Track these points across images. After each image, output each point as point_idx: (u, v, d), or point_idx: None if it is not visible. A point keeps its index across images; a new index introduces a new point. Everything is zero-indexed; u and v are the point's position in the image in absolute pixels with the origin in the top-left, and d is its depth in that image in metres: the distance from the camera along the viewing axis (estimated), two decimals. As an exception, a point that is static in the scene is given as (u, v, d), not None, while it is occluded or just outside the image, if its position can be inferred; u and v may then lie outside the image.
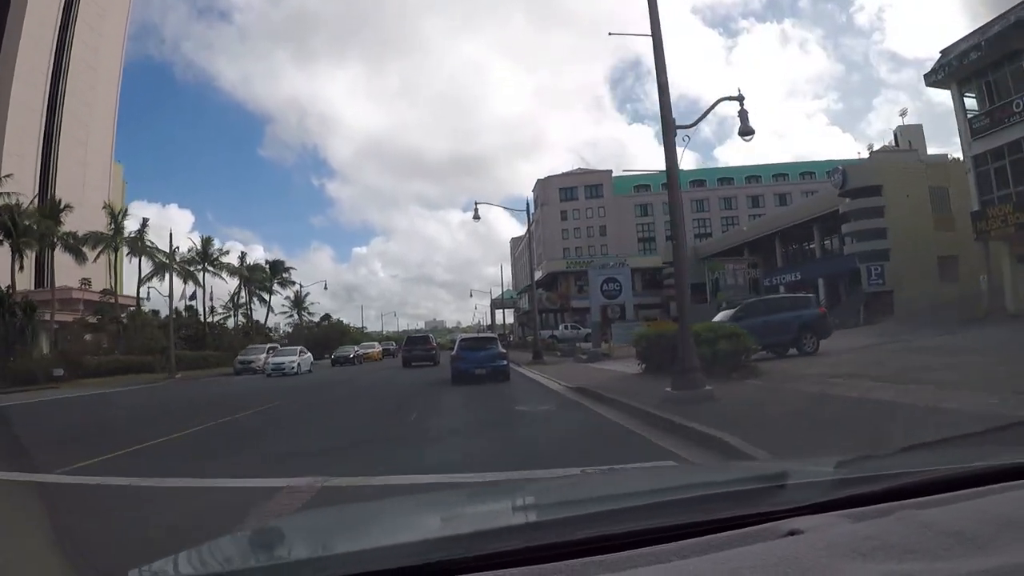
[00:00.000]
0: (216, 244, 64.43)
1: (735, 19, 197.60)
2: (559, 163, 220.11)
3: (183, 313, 54.90)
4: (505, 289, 79.62)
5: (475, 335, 27.98)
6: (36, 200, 43.24)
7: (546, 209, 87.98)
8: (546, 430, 9.76)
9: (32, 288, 47.14)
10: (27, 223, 40.10)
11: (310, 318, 77.70)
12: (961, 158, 38.98)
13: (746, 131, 11.83)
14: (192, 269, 54.00)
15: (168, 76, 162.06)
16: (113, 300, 46.28)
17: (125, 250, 49.42)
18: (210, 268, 56.32)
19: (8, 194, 39.20)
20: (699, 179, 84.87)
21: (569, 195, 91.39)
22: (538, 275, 53.08)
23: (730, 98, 11.89)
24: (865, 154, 57.29)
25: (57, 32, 57.26)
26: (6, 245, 39.87)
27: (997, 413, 7.01)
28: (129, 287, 54.16)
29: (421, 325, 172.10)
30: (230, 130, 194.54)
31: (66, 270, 45.48)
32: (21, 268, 40.08)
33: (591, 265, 42.53)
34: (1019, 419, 6.01)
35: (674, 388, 10.49)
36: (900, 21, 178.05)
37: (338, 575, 1.22)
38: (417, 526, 1.85)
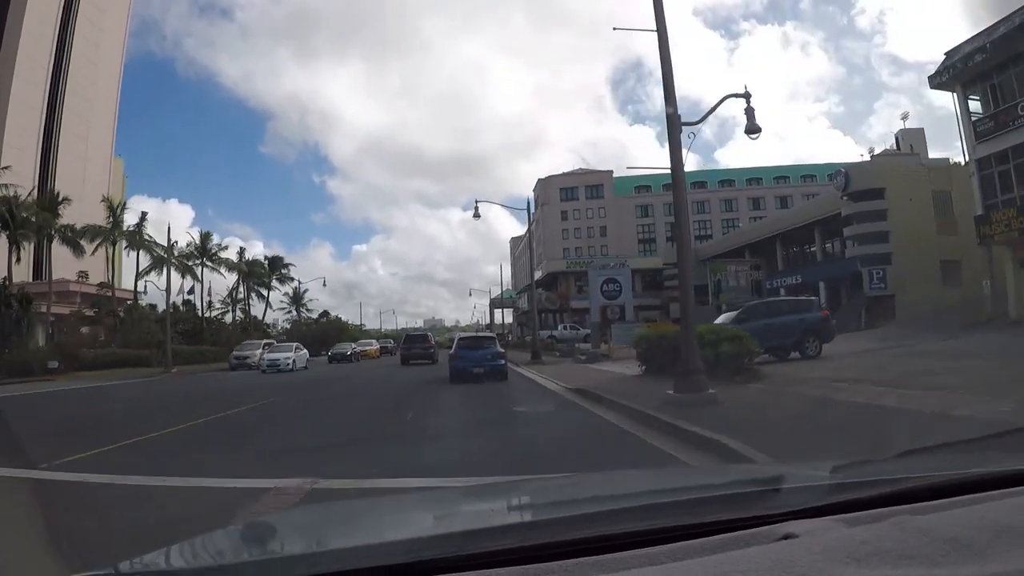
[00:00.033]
0: (216, 240, 64.26)
1: (736, 21, 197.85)
2: (559, 163, 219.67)
3: (181, 308, 54.70)
4: (504, 288, 79.52)
5: (473, 334, 27.82)
6: (34, 192, 42.89)
7: (546, 209, 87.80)
8: (545, 432, 9.53)
9: (30, 280, 46.95)
10: (25, 215, 39.85)
11: (309, 315, 77.58)
12: (963, 162, 38.99)
13: (752, 129, 11.60)
14: (190, 264, 53.70)
15: (170, 72, 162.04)
16: (110, 293, 45.97)
17: (123, 244, 49.16)
18: (208, 263, 56.04)
19: (6, 186, 38.97)
20: (700, 181, 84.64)
21: (570, 195, 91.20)
22: (538, 275, 52.84)
23: (736, 95, 11.67)
24: (866, 157, 56.93)
25: (58, 27, 57.00)
26: (3, 237, 39.68)
27: (1007, 421, 6.83)
28: (127, 281, 54.02)
29: (420, 323, 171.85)
30: (231, 127, 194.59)
31: (65, 263, 45.25)
32: (18, 260, 39.84)
33: (591, 265, 42.36)
34: (1018, 425, 5.83)
35: (676, 391, 10.28)
36: (901, 24, 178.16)
37: (330, 571, 1.19)
38: (410, 524, 1.84)
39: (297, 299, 74.06)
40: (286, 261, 71.24)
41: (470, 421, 11.25)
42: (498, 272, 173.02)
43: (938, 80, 31.85)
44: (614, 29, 11.58)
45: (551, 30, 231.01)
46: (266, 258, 69.42)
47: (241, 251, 64.47)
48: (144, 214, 51.55)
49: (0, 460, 6.54)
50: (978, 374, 11.91)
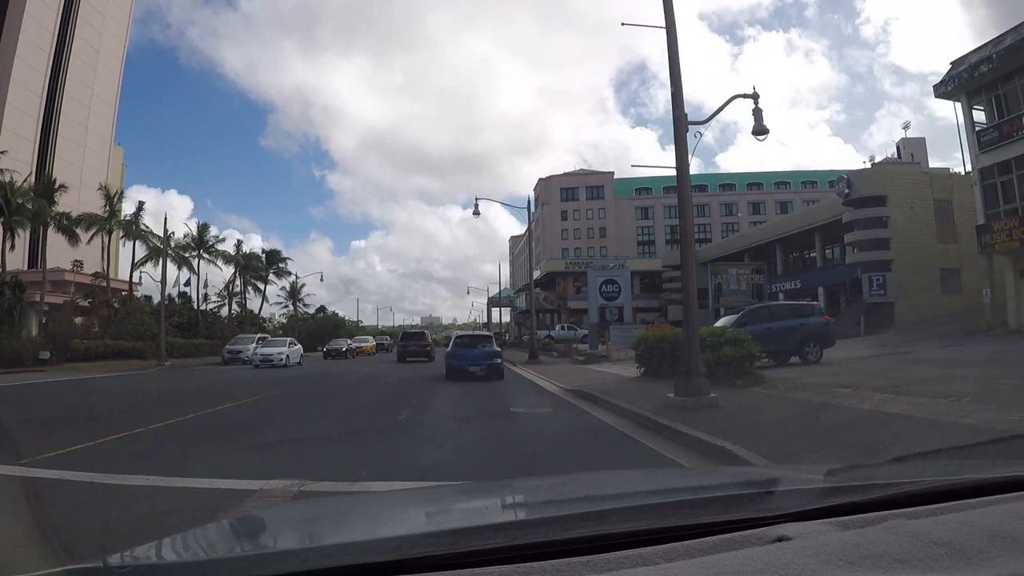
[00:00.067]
0: (215, 232, 64.25)
1: (741, 26, 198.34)
2: (560, 164, 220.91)
3: (176, 300, 54.37)
4: (503, 287, 79.30)
5: (471, 333, 27.83)
6: (30, 178, 42.40)
7: (546, 208, 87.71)
8: (543, 435, 9.27)
9: (25, 268, 46.56)
10: (20, 201, 39.43)
11: (305, 310, 77.24)
12: (963, 172, 38.90)
13: (760, 130, 11.41)
14: (187, 255, 53.40)
15: (172, 61, 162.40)
16: (104, 283, 45.54)
17: (119, 233, 48.75)
18: (205, 255, 55.68)
19: (3, 171, 38.54)
20: (701, 184, 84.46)
21: (570, 195, 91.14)
22: (536, 274, 52.69)
23: (744, 95, 11.48)
24: (867, 165, 56.96)
25: (61, 11, 56.59)
26: (-2, 223, 39.26)
27: (1018, 430, 6.67)
28: (125, 271, 53.58)
29: (417, 321, 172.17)
30: (232, 118, 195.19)
31: (61, 252, 44.83)
32: (12, 247, 39.37)
33: (590, 266, 42.00)
34: (1012, 433, 5.71)
35: (677, 394, 10.07)
36: (905, 35, 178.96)
37: (319, 567, 1.18)
38: (401, 521, 1.85)
39: (294, 294, 73.70)
40: (284, 255, 70.85)
41: (465, 422, 10.96)
42: (496, 271, 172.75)
43: (943, 89, 31.71)
44: (622, 25, 11.36)
45: (556, 30, 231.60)
46: (263, 251, 69.06)
47: (238, 243, 64.09)
48: (141, 203, 51.24)
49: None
50: (984, 383, 11.76)
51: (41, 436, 8.47)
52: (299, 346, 38.57)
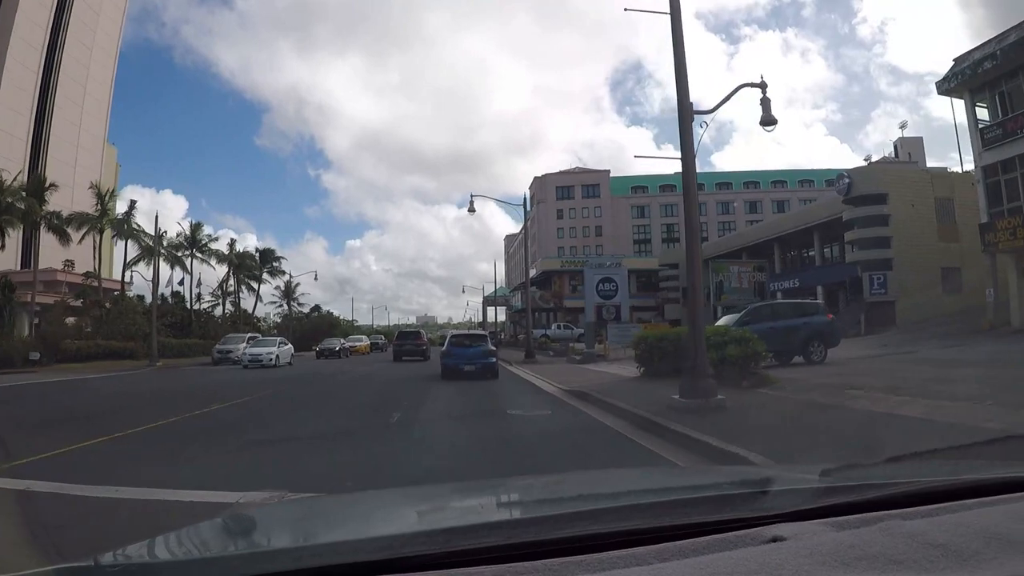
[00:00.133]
0: (209, 231, 63.69)
1: (738, 25, 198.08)
2: (556, 163, 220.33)
3: (169, 300, 53.83)
4: (498, 286, 78.87)
5: (466, 332, 27.66)
6: (20, 177, 41.72)
7: (542, 207, 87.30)
8: (543, 440, 8.77)
9: (17, 269, 45.99)
10: (10, 200, 38.85)
11: (300, 309, 76.69)
12: (960, 170, 38.60)
13: (768, 120, 10.97)
14: (180, 254, 52.79)
15: (167, 60, 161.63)
16: (96, 283, 44.94)
17: (111, 233, 48.14)
18: (198, 254, 55.15)
19: (-7, 169, 38.01)
20: (697, 182, 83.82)
21: (566, 194, 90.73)
22: (532, 273, 52.24)
23: (752, 84, 11.03)
24: (864, 165, 56.57)
25: (53, 10, 55.93)
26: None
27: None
28: (118, 271, 52.91)
29: (412, 320, 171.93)
30: (227, 117, 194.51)
31: (53, 252, 44.23)
32: (2, 247, 38.81)
33: (587, 264, 41.58)
34: (1008, 433, 5.33)
35: (682, 395, 9.64)
36: (902, 35, 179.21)
37: (311, 566, 1.17)
38: (394, 520, 1.83)
39: (288, 293, 73.18)
40: (278, 254, 70.31)
41: (461, 425, 10.44)
42: (492, 270, 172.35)
43: (946, 86, 31.38)
44: (625, 10, 10.86)
45: (553, 29, 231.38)
46: (257, 250, 68.55)
47: (231, 242, 63.53)
48: (133, 202, 50.72)
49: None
50: (997, 384, 11.37)
51: (15, 442, 8.02)
52: (289, 345, 37.82)
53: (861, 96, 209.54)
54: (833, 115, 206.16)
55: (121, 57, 67.22)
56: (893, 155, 69.78)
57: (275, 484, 5.39)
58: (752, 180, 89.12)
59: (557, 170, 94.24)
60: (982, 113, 30.11)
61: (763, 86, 11.00)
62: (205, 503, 4.86)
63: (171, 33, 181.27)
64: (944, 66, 31.37)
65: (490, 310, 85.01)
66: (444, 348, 21.46)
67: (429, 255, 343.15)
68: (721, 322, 18.12)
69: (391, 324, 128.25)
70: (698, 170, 10.54)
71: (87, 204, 45.57)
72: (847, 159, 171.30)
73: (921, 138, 73.15)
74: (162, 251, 47.48)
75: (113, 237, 49.06)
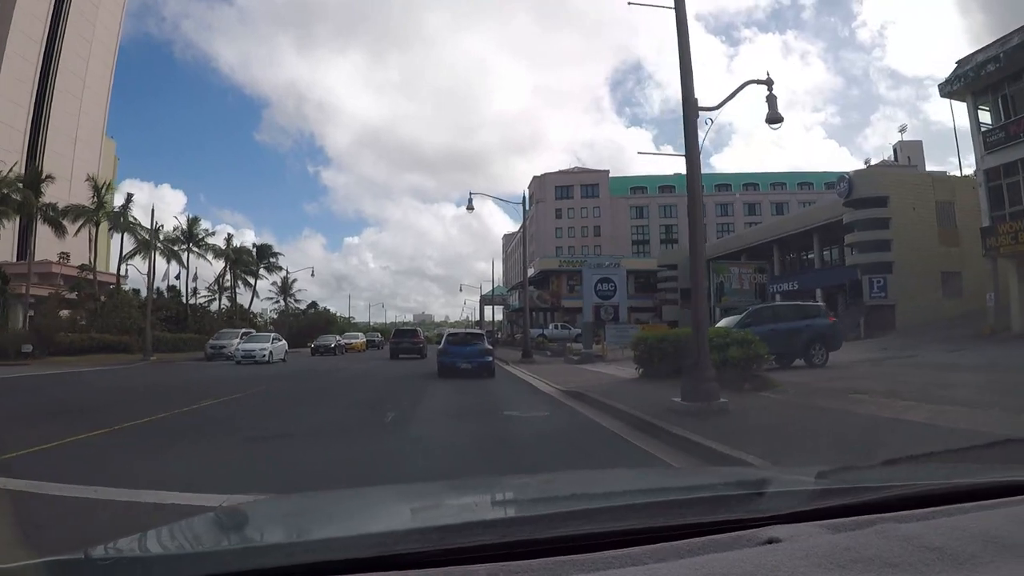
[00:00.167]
0: (208, 226, 63.32)
1: (738, 28, 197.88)
2: (555, 163, 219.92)
3: (165, 294, 53.50)
4: (496, 285, 78.61)
5: (462, 331, 27.60)
6: (16, 168, 41.37)
7: (541, 206, 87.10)
8: (541, 443, 8.49)
9: (14, 260, 45.67)
10: (5, 191, 38.52)
11: (297, 305, 76.32)
12: (960, 174, 38.40)
13: (774, 118, 10.73)
14: (176, 248, 52.42)
15: (167, 55, 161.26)
16: (91, 276, 44.56)
17: (107, 225, 47.77)
18: (195, 249, 54.78)
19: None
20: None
21: (565, 193, 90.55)
22: (530, 272, 52.00)
23: (757, 81, 10.81)
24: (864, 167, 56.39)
25: (53, 3, 55.51)
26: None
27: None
28: (115, 265, 52.57)
29: (409, 318, 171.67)
30: (227, 113, 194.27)
31: (51, 244, 43.86)
32: (-3, 238, 38.55)
33: (585, 264, 41.37)
34: (1004, 437, 5.14)
35: (684, 398, 9.41)
36: (902, 39, 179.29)
37: (304, 562, 1.17)
38: (388, 516, 1.83)
39: (285, 289, 72.83)
40: (275, 250, 69.81)
41: (458, 427, 10.04)
42: (489, 269, 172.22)
43: (948, 89, 31.19)
44: (629, 3, 10.62)
45: (553, 29, 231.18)
46: (254, 246, 68.14)
47: (228, 237, 63.16)
48: (130, 196, 50.37)
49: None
50: (1002, 389, 11.23)
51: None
52: (283, 342, 37.40)
53: (860, 99, 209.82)
54: (832, 118, 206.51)
55: (121, 51, 67.00)
56: (892, 159, 69.59)
57: (260, 487, 5.14)
58: (751, 182, 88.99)
59: (556, 170, 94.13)
60: (984, 116, 29.92)
61: (769, 83, 10.79)
62: (183, 505, 4.60)
63: (171, 28, 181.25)
64: (943, 70, 31.32)
65: (487, 309, 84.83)
66: (441, 346, 21.63)
67: (427, 253, 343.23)
68: (721, 324, 17.90)
69: (388, 322, 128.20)
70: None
71: (84, 197, 45.20)
72: (846, 162, 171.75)
73: (920, 142, 72.79)
74: (158, 245, 47.13)
75: (109, 230, 48.67)
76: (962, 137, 30.47)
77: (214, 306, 60.36)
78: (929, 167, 59.10)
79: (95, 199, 44.58)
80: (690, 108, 9.93)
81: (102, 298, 43.13)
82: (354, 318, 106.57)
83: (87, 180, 45.33)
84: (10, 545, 2.33)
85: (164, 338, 42.12)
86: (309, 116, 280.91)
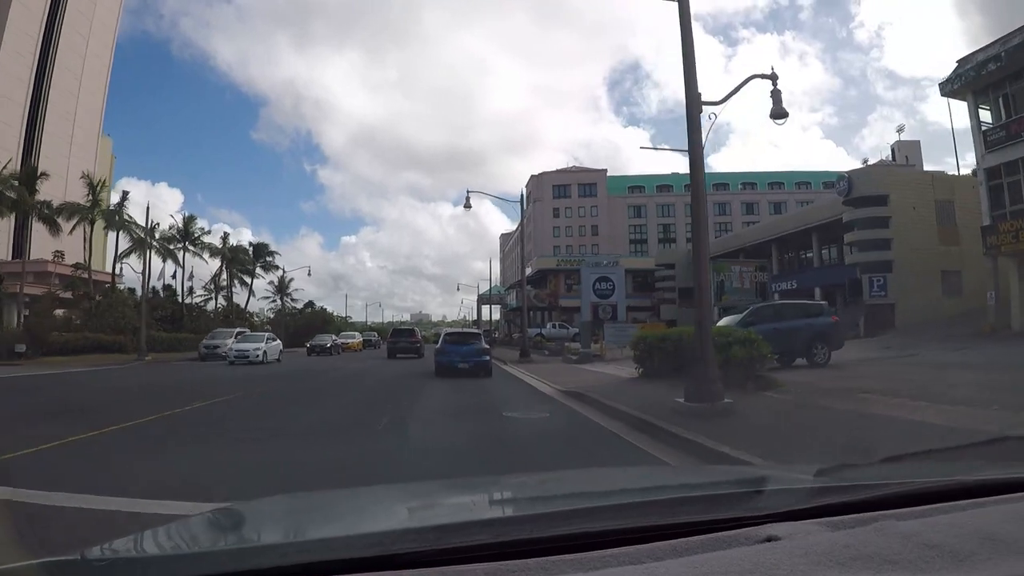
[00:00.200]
0: (204, 225, 63.10)
1: (736, 28, 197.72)
2: (552, 162, 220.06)
3: (160, 293, 53.15)
4: (493, 285, 78.43)
5: (460, 330, 27.47)
6: (11, 165, 40.96)
7: (538, 205, 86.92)
8: (543, 445, 8.22)
9: (9, 259, 45.32)
10: (0, 189, 38.15)
11: (293, 305, 75.98)
12: (958, 174, 38.22)
13: (779, 113, 10.53)
14: (172, 247, 52.05)
15: (165, 53, 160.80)
16: (86, 275, 44.19)
17: (103, 224, 47.39)
18: (191, 247, 54.41)
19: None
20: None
21: (562, 192, 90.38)
22: (528, 271, 51.80)
23: (762, 76, 10.60)
24: (864, 166, 56.21)
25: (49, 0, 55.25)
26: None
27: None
28: (110, 263, 52.16)
29: (406, 317, 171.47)
30: (224, 111, 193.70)
31: (47, 243, 43.58)
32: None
33: (584, 263, 41.20)
34: (1002, 435, 4.99)
35: (687, 399, 9.18)
36: (899, 40, 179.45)
37: (300, 562, 1.16)
38: (385, 516, 1.82)
39: (282, 288, 72.46)
40: (271, 249, 69.39)
41: (455, 431, 9.60)
42: (486, 268, 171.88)
43: (949, 88, 31.04)
44: (631, -5, 10.37)
45: (551, 28, 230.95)
46: (251, 244, 67.71)
47: (224, 236, 62.73)
48: (125, 193, 49.94)
49: None
50: (1010, 388, 10.98)
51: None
52: (277, 341, 36.95)
53: (858, 100, 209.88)
54: (830, 119, 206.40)
55: (119, 49, 66.77)
56: (890, 159, 69.51)
57: (244, 496, 4.89)
58: (749, 181, 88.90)
59: (554, 169, 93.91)
60: (985, 115, 29.82)
61: (773, 78, 10.60)
62: (162, 515, 4.33)
63: (169, 25, 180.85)
64: (941, 71, 31.37)
65: (485, 308, 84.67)
66: (438, 346, 21.65)
67: (424, 252, 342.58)
68: (723, 322, 17.63)
69: (385, 321, 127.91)
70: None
71: (80, 195, 44.83)
72: (843, 163, 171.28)
73: (918, 142, 72.62)
74: (154, 243, 46.79)
75: (105, 229, 48.26)
76: (961, 136, 30.58)
77: (210, 305, 60.10)
78: (926, 167, 59.12)
79: (90, 197, 44.24)
80: (693, 103, 9.70)
81: (97, 297, 42.77)
82: (351, 318, 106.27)
83: (82, 178, 44.98)
84: (5, 546, 2.29)
85: (159, 338, 41.78)
86: (306, 114, 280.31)
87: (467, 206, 35.43)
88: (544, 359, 30.10)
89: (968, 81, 29.67)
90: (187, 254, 53.99)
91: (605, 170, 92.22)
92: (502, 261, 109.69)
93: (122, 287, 49.38)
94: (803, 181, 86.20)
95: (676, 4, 10.12)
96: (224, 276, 61.51)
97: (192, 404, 12.24)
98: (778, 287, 44.48)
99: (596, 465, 6.89)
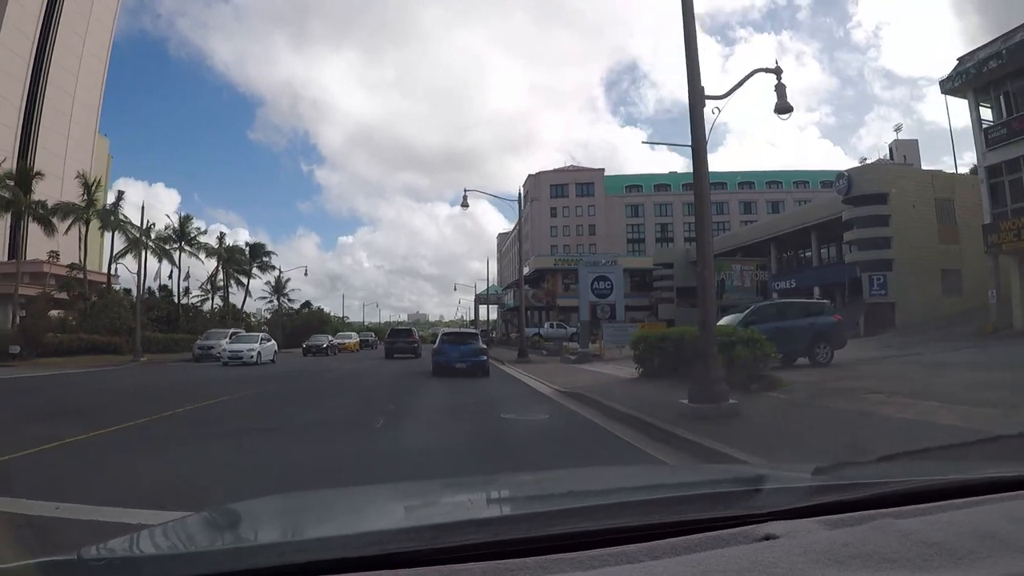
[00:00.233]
0: (201, 225, 62.77)
1: (733, 28, 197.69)
2: (550, 162, 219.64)
3: (156, 293, 52.85)
4: (490, 285, 78.18)
5: (457, 330, 27.32)
6: (6, 164, 40.65)
7: (536, 205, 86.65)
8: (542, 448, 7.99)
9: (4, 259, 45.00)
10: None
11: (290, 305, 75.65)
12: (956, 172, 38.08)
13: (783, 108, 10.33)
14: (168, 247, 51.74)
15: (162, 52, 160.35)
16: (81, 275, 43.86)
17: (98, 224, 47.06)
18: (187, 247, 54.10)
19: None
20: (691, 182, 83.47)
21: (560, 192, 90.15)
22: (525, 271, 51.57)
23: (766, 70, 10.40)
24: (863, 164, 56.05)
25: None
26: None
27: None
28: (106, 264, 51.83)
29: (404, 317, 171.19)
30: (221, 111, 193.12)
31: (43, 243, 43.24)
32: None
33: (582, 262, 40.93)
34: (1001, 433, 4.77)
35: (692, 400, 8.97)
36: (897, 40, 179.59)
37: (297, 561, 1.16)
38: (381, 515, 1.82)
39: (279, 288, 72.12)
40: (268, 249, 69.07)
41: (452, 433, 9.43)
42: (484, 268, 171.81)
43: (950, 86, 30.86)
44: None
45: (549, 28, 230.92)
46: (247, 244, 67.41)
47: (221, 236, 62.43)
48: (120, 193, 49.58)
49: None
50: (1014, 387, 10.77)
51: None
52: (272, 342, 36.61)
53: (855, 99, 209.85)
54: (827, 118, 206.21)
55: (116, 49, 66.43)
56: (888, 158, 69.43)
57: (245, 495, 4.66)
58: (747, 181, 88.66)
59: (551, 168, 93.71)
60: (986, 113, 29.64)
61: (778, 72, 10.40)
62: (130, 524, 4.12)
63: (166, 25, 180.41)
64: (938, 71, 31.18)
65: (482, 308, 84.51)
66: (436, 346, 21.67)
67: (421, 252, 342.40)
68: (724, 322, 17.38)
69: (382, 321, 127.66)
70: (693, 170, 9.86)
71: (76, 195, 44.60)
72: (841, 162, 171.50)
73: (916, 140, 72.57)
74: (149, 244, 46.52)
75: (100, 229, 47.91)
76: (959, 135, 30.40)
77: (207, 306, 59.80)
78: (924, 166, 59.03)
79: (85, 197, 43.93)
80: (696, 96, 9.49)
81: (93, 298, 42.45)
82: (348, 318, 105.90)
83: (77, 177, 44.67)
84: (2, 546, 2.28)
85: (155, 338, 41.51)
86: (303, 114, 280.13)
87: (464, 205, 35.32)
88: (542, 359, 29.91)
89: (969, 79, 29.50)
90: (183, 254, 53.82)
91: (602, 169, 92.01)
92: (499, 261, 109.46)
93: (118, 288, 49.02)
94: (801, 180, 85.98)
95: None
96: (220, 276, 61.22)
97: (184, 406, 12.00)
98: (777, 286, 44.32)
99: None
